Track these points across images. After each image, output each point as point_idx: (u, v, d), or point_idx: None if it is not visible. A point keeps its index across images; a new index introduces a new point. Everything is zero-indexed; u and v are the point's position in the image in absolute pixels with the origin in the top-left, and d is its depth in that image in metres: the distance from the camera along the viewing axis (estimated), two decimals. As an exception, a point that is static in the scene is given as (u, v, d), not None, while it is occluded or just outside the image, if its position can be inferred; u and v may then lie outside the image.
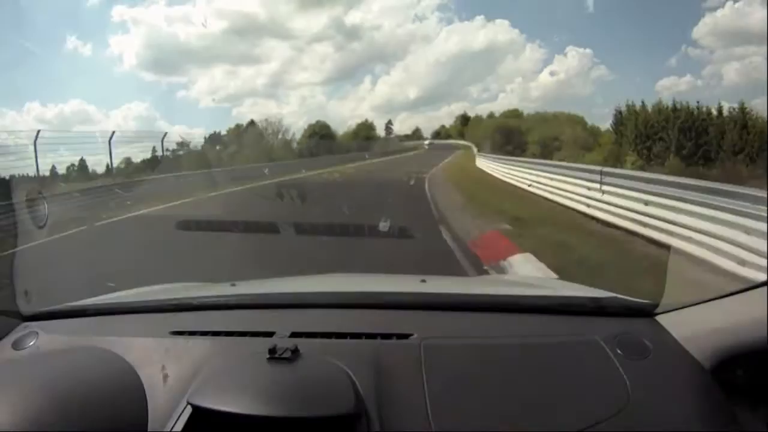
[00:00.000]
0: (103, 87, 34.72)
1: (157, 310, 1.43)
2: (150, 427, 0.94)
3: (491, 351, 1.10)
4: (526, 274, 4.40)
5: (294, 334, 1.16)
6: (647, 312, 1.21)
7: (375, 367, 1.02)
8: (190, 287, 1.97)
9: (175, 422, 0.92)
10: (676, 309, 1.16)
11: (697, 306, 1.11)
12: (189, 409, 0.92)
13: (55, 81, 30.83)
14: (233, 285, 1.68)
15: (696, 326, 1.08)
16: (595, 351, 1.07)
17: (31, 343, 1.26)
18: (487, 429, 0.91)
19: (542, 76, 32.80)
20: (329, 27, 39.11)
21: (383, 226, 4.66)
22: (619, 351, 1.06)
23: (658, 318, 1.18)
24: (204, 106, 33.44)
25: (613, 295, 1.33)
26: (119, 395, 0.99)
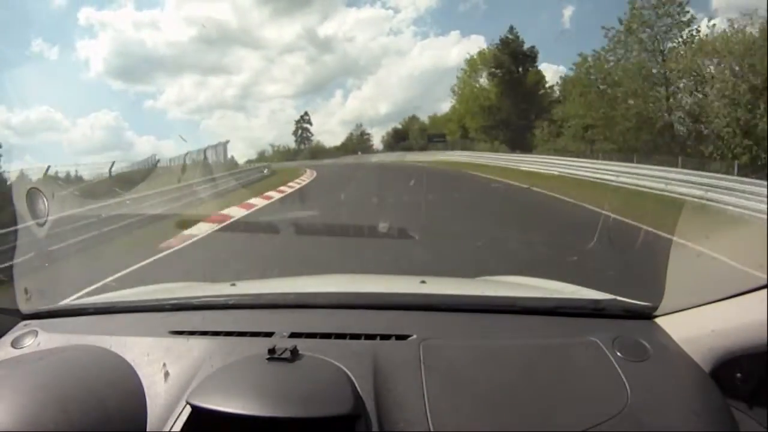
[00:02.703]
0: (69, 94, 33.90)
1: (157, 310, 1.43)
2: (149, 426, 0.94)
3: (490, 352, 1.10)
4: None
5: (293, 335, 1.16)
6: (646, 314, 1.21)
7: (374, 367, 1.02)
8: (190, 287, 1.97)
9: (174, 422, 0.92)
10: (676, 311, 1.16)
11: (697, 308, 1.11)
12: (188, 409, 0.92)
13: (20, 85, 29.06)
14: (233, 285, 1.68)
15: (695, 329, 1.08)
16: (595, 353, 1.07)
17: (31, 342, 1.26)
18: (486, 430, 0.91)
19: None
20: (301, 38, 37.45)
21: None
22: (618, 353, 1.06)
23: (658, 320, 1.18)
24: (172, 117, 32.40)
25: (613, 297, 1.33)
26: (118, 395, 0.99)
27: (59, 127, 30.65)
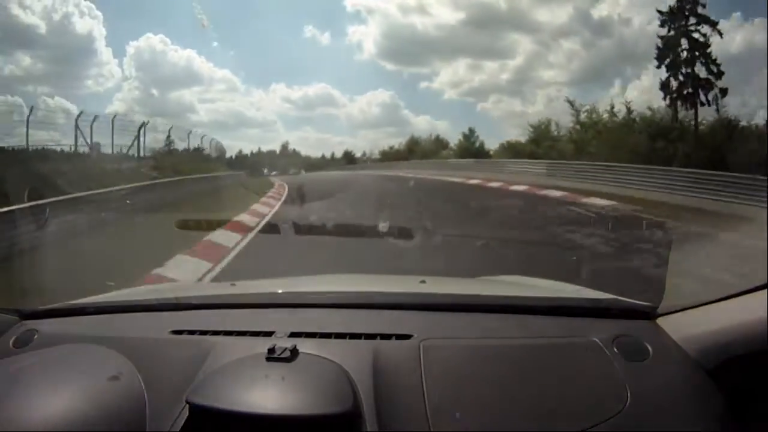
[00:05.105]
0: (344, 73, 37.40)
1: (157, 309, 1.43)
2: (149, 426, 0.94)
3: (490, 352, 1.10)
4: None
5: (293, 334, 1.16)
6: (647, 314, 1.21)
7: (374, 367, 1.02)
8: (190, 286, 1.97)
9: (174, 421, 0.92)
10: (676, 311, 1.16)
11: (697, 308, 1.11)
12: (188, 409, 0.92)
13: (297, 65, 35.44)
14: (233, 284, 1.68)
15: (695, 329, 1.08)
16: (595, 353, 1.07)
17: (30, 342, 1.26)
18: (485, 430, 0.91)
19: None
20: (575, 20, 33.10)
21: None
22: (618, 353, 1.06)
23: (658, 320, 1.18)
24: (448, 98, 31.88)
25: (613, 296, 1.33)
26: (118, 394, 0.99)
27: (337, 103, 34.00)
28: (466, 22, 32.10)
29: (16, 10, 24.14)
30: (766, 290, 0.94)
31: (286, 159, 29.92)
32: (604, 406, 0.94)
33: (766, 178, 9.26)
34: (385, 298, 1.42)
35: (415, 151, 28.89)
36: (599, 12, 30.80)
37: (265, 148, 30.74)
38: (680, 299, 1.17)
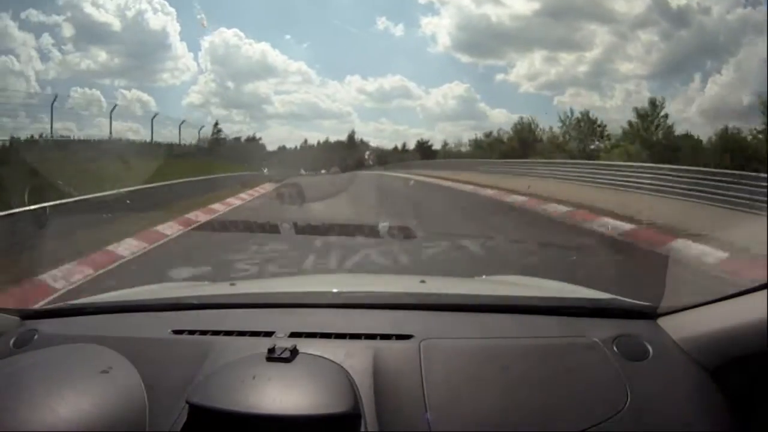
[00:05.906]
0: (419, 66, 37.13)
1: (157, 309, 1.43)
2: (149, 426, 0.94)
3: (490, 351, 1.10)
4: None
5: (293, 334, 1.16)
6: (647, 314, 1.21)
7: (374, 367, 1.02)
8: (191, 286, 1.97)
9: (174, 421, 0.92)
10: (676, 311, 1.16)
11: (697, 308, 1.11)
12: (188, 409, 0.92)
13: (371, 58, 35.54)
14: (233, 284, 1.69)
15: (696, 328, 1.08)
16: (594, 352, 1.07)
17: (30, 342, 1.26)
18: (486, 430, 0.91)
19: None
20: (653, 10, 31.96)
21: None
22: (618, 353, 1.06)
23: (658, 320, 1.18)
24: (524, 91, 30.07)
25: (613, 296, 1.33)
26: (118, 394, 0.99)
27: (412, 95, 34.05)
28: (541, 13, 31.14)
29: (89, 8, 26.44)
30: (766, 290, 0.94)
31: (358, 152, 27.95)
32: (604, 406, 0.94)
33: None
34: (385, 298, 1.42)
35: (532, 141, 22.42)
36: (677, 1, 28.78)
37: (333, 138, 29.97)
38: (680, 299, 1.17)
